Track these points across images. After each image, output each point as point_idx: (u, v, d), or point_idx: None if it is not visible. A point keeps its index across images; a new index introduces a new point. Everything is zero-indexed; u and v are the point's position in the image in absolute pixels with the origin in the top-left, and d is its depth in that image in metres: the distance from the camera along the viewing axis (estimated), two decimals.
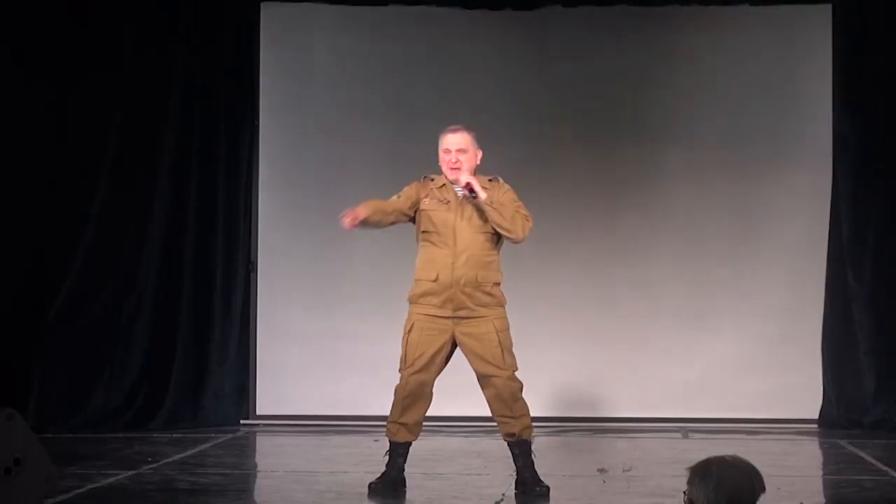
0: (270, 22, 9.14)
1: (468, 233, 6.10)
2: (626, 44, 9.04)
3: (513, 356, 6.14)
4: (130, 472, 6.84)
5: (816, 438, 8.47)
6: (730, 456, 3.18)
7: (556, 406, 8.82)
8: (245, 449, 8.24)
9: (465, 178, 6.07)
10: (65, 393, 8.52)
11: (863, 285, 8.70)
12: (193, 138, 8.87)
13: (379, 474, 6.23)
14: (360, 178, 9.02)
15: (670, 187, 9.07)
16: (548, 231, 8.75)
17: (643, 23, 8.98)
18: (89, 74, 8.63)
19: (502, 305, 6.18)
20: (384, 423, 6.29)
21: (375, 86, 9.14)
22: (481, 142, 6.24)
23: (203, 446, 7.93)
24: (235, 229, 8.98)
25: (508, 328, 6.18)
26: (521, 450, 6.18)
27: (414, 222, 6.24)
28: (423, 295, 6.14)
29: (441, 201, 6.15)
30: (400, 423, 6.18)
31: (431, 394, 6.18)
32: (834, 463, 7.55)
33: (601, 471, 6.84)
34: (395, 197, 6.25)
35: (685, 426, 8.74)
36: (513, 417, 6.12)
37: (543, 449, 7.03)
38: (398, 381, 6.18)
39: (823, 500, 6.56)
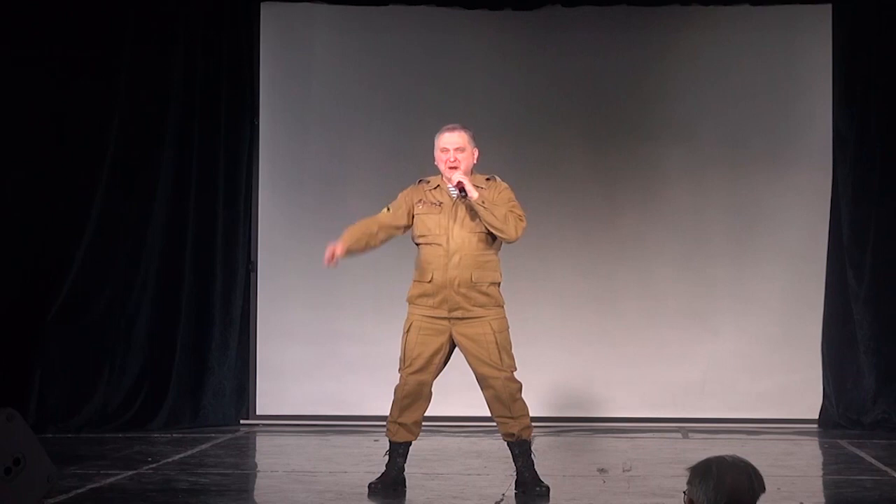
0: (270, 22, 9.14)
1: (461, 234, 6.10)
2: (626, 43, 9.04)
3: (511, 357, 6.14)
4: (130, 472, 6.84)
5: (816, 438, 8.47)
6: (730, 456, 3.17)
7: (557, 406, 8.82)
8: (245, 449, 8.24)
9: (457, 177, 6.08)
10: (65, 393, 8.51)
11: (863, 285, 8.70)
12: (193, 138, 8.87)
13: (379, 474, 6.24)
14: (361, 178, 9.05)
15: (670, 187, 9.07)
16: (548, 230, 8.78)
17: (643, 22, 8.99)
18: (89, 74, 8.62)
19: (500, 306, 6.18)
20: (384, 423, 6.29)
21: (375, 85, 9.15)
22: (479, 141, 6.25)
23: (203, 446, 7.94)
24: (235, 229, 8.98)
25: (507, 329, 6.17)
26: (520, 450, 6.18)
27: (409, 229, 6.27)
28: (420, 296, 6.15)
29: (434, 204, 6.16)
30: (399, 423, 6.18)
31: (431, 394, 6.18)
32: (834, 463, 7.55)
33: (601, 471, 6.84)
34: (385, 210, 6.26)
35: (685, 426, 8.74)
36: (512, 418, 6.12)
37: (543, 449, 7.04)
38: (398, 381, 6.19)
39: (823, 500, 6.55)
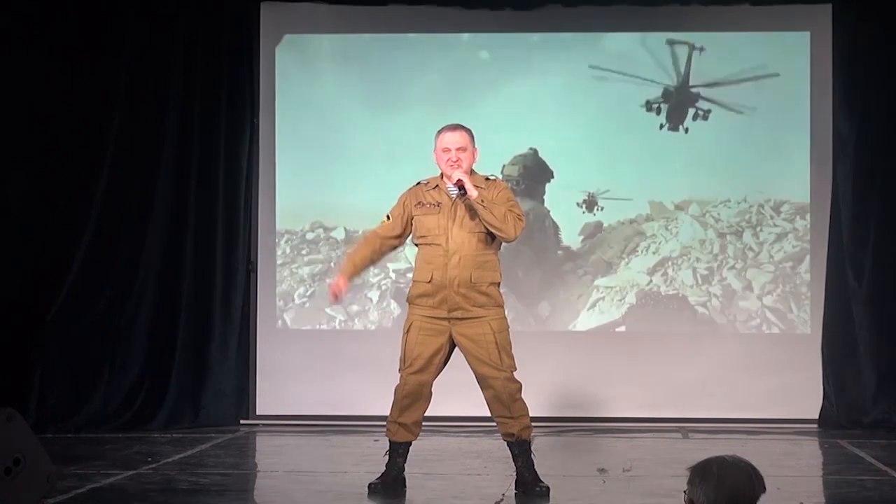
0: (270, 22, 9.14)
1: (460, 234, 6.11)
2: (626, 43, 9.03)
3: (511, 357, 6.14)
4: (130, 472, 6.84)
5: (816, 438, 8.47)
6: (730, 456, 3.17)
7: (556, 406, 8.82)
8: (245, 449, 8.23)
9: (457, 175, 6.09)
10: (65, 393, 8.52)
11: (863, 285, 8.70)
12: (193, 138, 8.87)
13: (379, 474, 6.24)
14: (361, 177, 9.05)
15: (669, 186, 9.06)
16: (548, 230, 8.78)
17: (643, 22, 8.98)
18: (89, 74, 8.63)
19: (500, 306, 6.18)
20: (384, 423, 6.29)
21: (375, 85, 9.15)
22: (479, 141, 6.26)
23: (203, 446, 7.93)
24: (235, 229, 8.97)
25: (507, 329, 6.18)
26: (520, 450, 6.18)
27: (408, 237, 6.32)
28: (420, 296, 6.16)
29: (432, 204, 6.17)
30: (399, 423, 6.18)
31: (431, 394, 6.18)
32: (834, 463, 7.54)
33: (601, 471, 6.84)
34: (385, 218, 6.29)
35: (685, 426, 8.74)
36: (511, 418, 6.13)
37: (543, 449, 7.04)
38: (398, 382, 6.19)
39: (823, 500, 6.55)
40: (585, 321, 9.07)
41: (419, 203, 6.21)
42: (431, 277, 6.10)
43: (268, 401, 9.08)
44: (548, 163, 9.09)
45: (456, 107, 8.58)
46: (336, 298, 6.28)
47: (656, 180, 9.08)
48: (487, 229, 6.09)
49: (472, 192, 6.05)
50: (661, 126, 9.03)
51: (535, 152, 9.08)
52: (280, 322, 9.17)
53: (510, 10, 8.99)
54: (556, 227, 9.11)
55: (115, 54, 8.71)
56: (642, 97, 9.03)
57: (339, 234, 9.16)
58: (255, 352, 9.11)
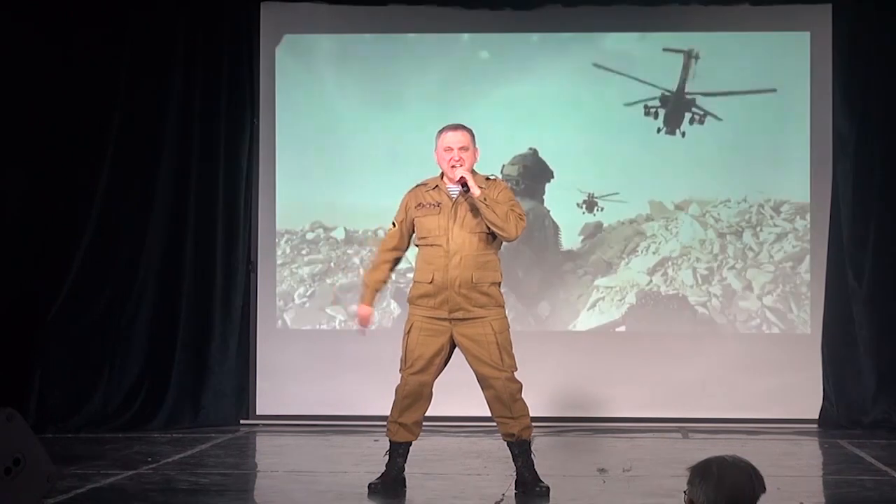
0: (270, 22, 9.14)
1: (461, 234, 6.11)
2: (626, 43, 9.03)
3: (512, 357, 6.14)
4: (130, 472, 6.84)
5: (816, 438, 8.47)
6: (730, 456, 3.17)
7: (556, 406, 8.82)
8: (245, 449, 8.23)
9: (459, 172, 6.09)
10: (65, 393, 8.52)
11: (863, 285, 8.70)
12: (193, 138, 8.87)
13: (379, 474, 6.24)
14: (361, 178, 9.06)
15: (669, 186, 9.06)
16: (548, 230, 8.78)
17: (643, 22, 8.98)
18: (89, 74, 8.63)
19: (501, 306, 6.18)
20: (384, 423, 6.29)
21: (375, 85, 9.15)
22: (479, 141, 6.26)
23: (203, 446, 7.93)
24: (235, 229, 8.97)
25: (507, 329, 6.18)
26: (520, 450, 6.18)
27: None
28: (421, 297, 6.16)
29: (432, 205, 6.17)
30: (399, 423, 6.18)
31: (431, 394, 6.19)
32: (834, 463, 7.54)
33: (601, 471, 6.84)
34: (391, 226, 6.32)
35: (685, 426, 8.74)
36: (512, 418, 6.13)
37: (543, 449, 7.04)
38: (399, 382, 6.19)
39: (823, 500, 6.55)
40: (585, 321, 9.08)
41: (419, 205, 6.21)
42: (433, 278, 6.10)
43: (268, 401, 9.08)
44: (548, 163, 9.09)
45: (456, 107, 8.58)
46: (365, 325, 6.33)
47: (656, 180, 9.08)
48: (488, 229, 6.10)
49: (476, 190, 6.06)
50: (659, 130, 9.01)
51: (534, 152, 9.08)
52: (280, 322, 9.17)
53: (510, 10, 8.99)
54: (556, 227, 9.11)
55: (115, 54, 8.71)
56: (643, 97, 9.02)
57: (339, 234, 9.16)
58: (255, 352, 9.11)
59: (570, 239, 9.10)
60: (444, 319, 6.10)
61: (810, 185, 8.96)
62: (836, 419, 8.72)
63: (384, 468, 6.23)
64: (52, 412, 8.44)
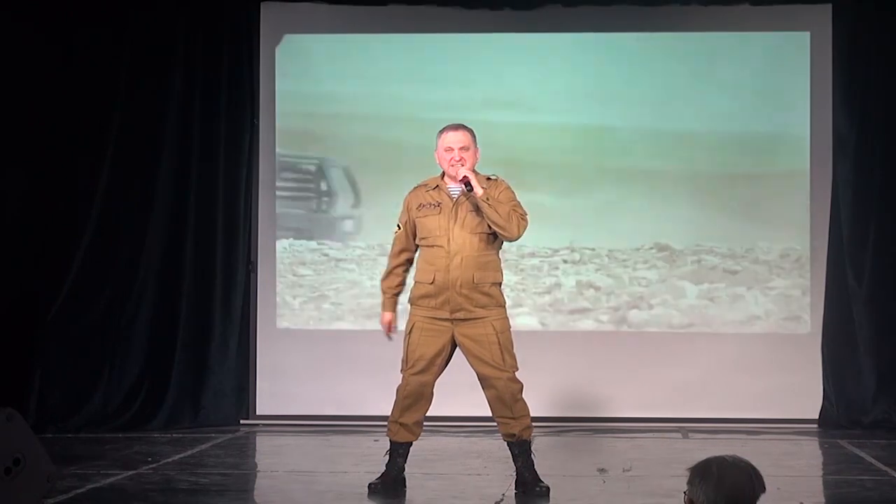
0: (270, 22, 9.14)
1: (462, 234, 6.11)
2: (626, 43, 9.04)
3: (513, 357, 6.14)
4: (130, 472, 6.84)
5: (816, 438, 8.47)
6: (730, 456, 3.17)
7: (556, 406, 8.82)
8: (245, 449, 8.23)
9: (462, 172, 6.09)
10: (65, 393, 8.52)
11: (863, 285, 8.70)
12: (193, 138, 8.87)
13: (379, 474, 6.24)
14: (361, 177, 9.06)
15: (669, 186, 9.06)
16: (548, 230, 8.78)
17: (643, 22, 8.98)
18: (89, 74, 8.63)
19: (502, 306, 6.18)
20: (384, 423, 6.30)
21: (375, 85, 9.14)
22: (479, 141, 6.26)
23: (203, 446, 7.93)
24: (235, 229, 8.97)
25: (509, 329, 6.18)
26: (520, 450, 6.18)
27: None
28: (422, 297, 6.16)
29: (433, 205, 6.17)
30: (400, 423, 6.18)
31: (432, 394, 6.19)
32: (834, 463, 7.55)
33: (601, 471, 6.84)
34: (396, 229, 6.32)
35: (685, 426, 8.74)
36: (513, 418, 6.13)
37: (543, 449, 7.04)
38: (400, 382, 6.19)
39: (823, 500, 6.55)
40: (585, 321, 9.07)
41: (420, 205, 6.21)
42: (434, 279, 6.10)
43: (268, 401, 9.08)
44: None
45: (455, 107, 8.57)
46: (389, 332, 6.34)
47: (656, 180, 9.07)
48: (489, 230, 6.10)
49: (478, 190, 6.06)
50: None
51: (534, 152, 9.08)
52: (280, 322, 9.16)
53: (510, 10, 8.99)
54: None
55: (115, 54, 8.71)
56: (643, 97, 9.02)
57: (338, 237, 9.16)
58: (255, 352, 9.11)
59: (570, 238, 9.10)
60: (446, 320, 6.10)
61: (810, 184, 8.96)
62: (836, 419, 8.72)
63: (384, 468, 6.23)
64: (52, 412, 8.44)
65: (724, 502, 3.07)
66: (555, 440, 8.26)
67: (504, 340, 6.12)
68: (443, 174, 6.24)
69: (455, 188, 6.17)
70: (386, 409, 6.26)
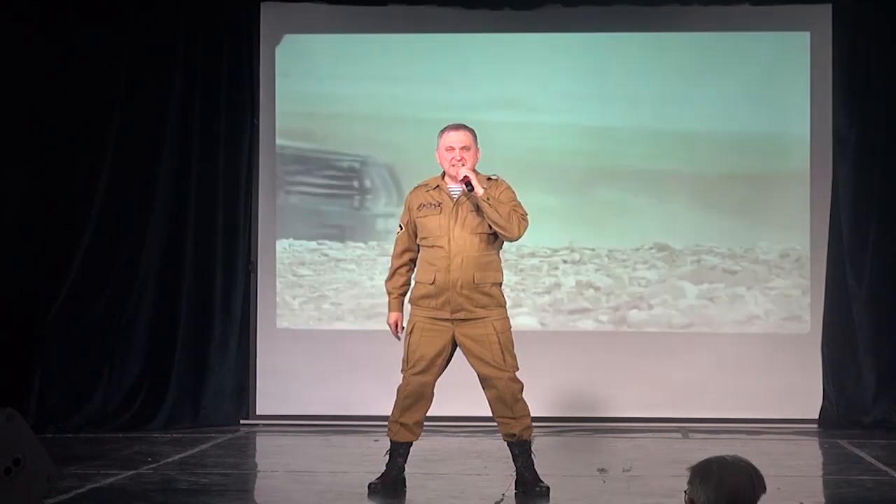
0: (270, 22, 9.14)
1: (462, 234, 6.11)
2: (626, 43, 9.04)
3: (514, 357, 6.14)
4: (130, 472, 6.84)
5: (816, 438, 8.47)
6: (730, 456, 3.17)
7: (557, 406, 8.82)
8: (245, 449, 8.23)
9: (463, 171, 6.10)
10: (65, 393, 8.52)
11: (863, 286, 8.70)
12: (193, 138, 8.87)
13: (379, 474, 6.24)
14: (361, 177, 9.06)
15: (669, 186, 9.06)
16: (548, 230, 8.78)
17: (643, 22, 8.99)
18: (89, 74, 8.63)
19: (502, 306, 6.18)
20: (384, 423, 6.30)
21: (375, 85, 9.14)
22: (479, 142, 6.26)
23: (203, 446, 7.93)
24: (235, 229, 8.97)
25: (509, 329, 6.18)
26: (521, 450, 6.18)
27: None
28: (423, 297, 6.16)
29: (433, 205, 6.17)
30: (401, 423, 6.18)
31: (433, 394, 6.19)
32: (834, 463, 7.55)
33: (601, 471, 6.84)
34: (398, 230, 6.32)
35: (685, 426, 8.74)
36: (513, 418, 6.13)
37: (543, 449, 7.03)
38: (401, 382, 6.19)
39: (823, 500, 6.55)
40: (585, 321, 9.07)
41: (420, 205, 6.21)
42: (434, 279, 6.10)
43: (268, 401, 9.07)
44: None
45: (455, 107, 8.58)
46: (397, 332, 6.33)
47: (656, 180, 9.07)
48: (490, 229, 6.10)
49: (479, 189, 6.06)
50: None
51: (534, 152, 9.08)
52: (280, 322, 9.16)
53: (510, 10, 8.99)
54: None
55: (115, 54, 8.71)
56: (643, 97, 9.03)
57: (338, 238, 9.16)
58: (255, 352, 9.11)
59: (569, 238, 9.10)
60: (446, 320, 6.10)
61: (810, 185, 8.96)
62: (836, 419, 8.72)
63: (384, 468, 6.23)
64: (52, 412, 8.44)
65: (724, 502, 3.07)
66: (555, 440, 8.26)
67: (505, 340, 6.12)
68: (443, 174, 6.24)
69: (456, 188, 6.17)
70: (386, 409, 6.26)
